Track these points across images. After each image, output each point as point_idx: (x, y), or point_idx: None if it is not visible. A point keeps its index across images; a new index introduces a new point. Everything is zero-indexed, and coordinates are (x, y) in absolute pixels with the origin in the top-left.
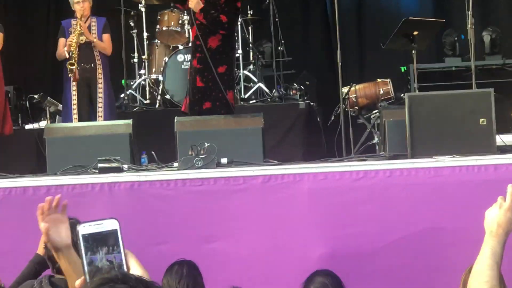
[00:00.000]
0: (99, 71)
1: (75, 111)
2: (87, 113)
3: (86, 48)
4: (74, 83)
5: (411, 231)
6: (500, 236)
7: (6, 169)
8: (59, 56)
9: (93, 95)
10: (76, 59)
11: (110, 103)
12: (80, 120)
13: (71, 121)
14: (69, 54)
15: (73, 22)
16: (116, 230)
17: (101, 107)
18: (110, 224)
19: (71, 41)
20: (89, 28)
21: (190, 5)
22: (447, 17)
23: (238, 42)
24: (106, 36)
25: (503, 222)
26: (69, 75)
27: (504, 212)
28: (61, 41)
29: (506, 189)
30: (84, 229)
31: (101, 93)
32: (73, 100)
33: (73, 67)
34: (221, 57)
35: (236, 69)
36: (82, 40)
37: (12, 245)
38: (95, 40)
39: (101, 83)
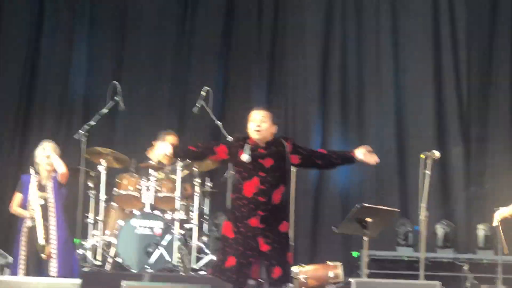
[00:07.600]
0: (53, 227)
1: (22, 263)
2: (36, 267)
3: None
4: (24, 235)
5: None
6: None
7: None
8: (13, 211)
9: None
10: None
11: (66, 259)
12: (27, 274)
13: (17, 274)
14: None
15: (33, 177)
16: None
17: (55, 264)
18: None
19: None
20: (46, 186)
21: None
22: (403, 207)
23: (194, 213)
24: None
25: None
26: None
27: None
28: (18, 196)
29: None
30: None
31: (55, 248)
32: (21, 252)
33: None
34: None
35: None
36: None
37: None
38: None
39: (55, 239)
